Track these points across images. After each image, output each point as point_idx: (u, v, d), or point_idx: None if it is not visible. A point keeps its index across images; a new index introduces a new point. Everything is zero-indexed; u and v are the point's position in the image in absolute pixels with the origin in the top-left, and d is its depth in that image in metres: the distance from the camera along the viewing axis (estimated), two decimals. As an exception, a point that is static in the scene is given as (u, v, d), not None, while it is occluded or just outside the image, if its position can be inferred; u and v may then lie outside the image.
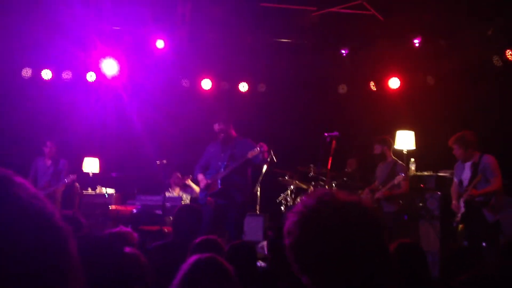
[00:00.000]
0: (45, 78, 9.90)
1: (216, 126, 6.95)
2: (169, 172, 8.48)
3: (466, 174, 6.41)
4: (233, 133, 7.01)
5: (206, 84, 10.46)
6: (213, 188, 6.83)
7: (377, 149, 7.48)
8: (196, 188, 8.61)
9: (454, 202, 6.55)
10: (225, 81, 10.66)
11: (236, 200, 6.81)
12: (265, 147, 6.64)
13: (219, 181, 6.77)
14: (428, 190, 7.95)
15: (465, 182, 6.40)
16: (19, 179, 0.94)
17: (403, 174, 7.08)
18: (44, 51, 9.50)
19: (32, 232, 0.87)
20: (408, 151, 8.09)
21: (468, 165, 6.41)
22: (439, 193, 7.77)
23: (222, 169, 6.81)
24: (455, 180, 6.67)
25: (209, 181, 6.88)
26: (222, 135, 6.91)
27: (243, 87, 10.59)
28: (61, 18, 8.78)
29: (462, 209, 6.36)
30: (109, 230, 3.57)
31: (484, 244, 6.04)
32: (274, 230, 3.81)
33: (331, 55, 10.10)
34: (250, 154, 6.61)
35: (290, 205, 8.86)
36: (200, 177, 7.03)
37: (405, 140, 8.05)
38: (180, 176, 9.11)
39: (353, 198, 1.53)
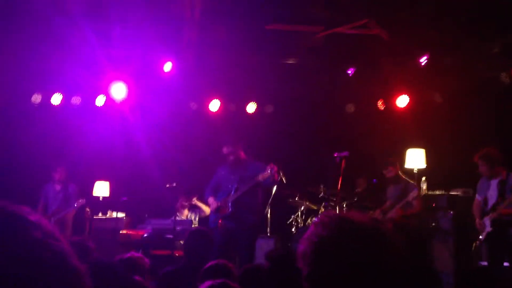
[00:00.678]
0: (54, 103, 9.97)
1: (225, 149, 6.95)
2: (178, 195, 8.48)
3: (492, 192, 6.30)
4: (242, 155, 7.00)
5: (214, 106, 10.50)
6: (224, 211, 6.80)
7: (391, 172, 7.42)
8: (206, 209, 8.58)
9: (478, 220, 6.44)
10: (233, 103, 10.70)
11: (247, 223, 6.77)
12: (275, 168, 6.62)
13: (229, 204, 6.74)
14: (440, 210, 7.87)
15: (492, 200, 6.29)
16: (35, 217, 0.93)
17: (416, 190, 7.01)
18: (53, 76, 9.60)
19: (49, 274, 0.86)
20: (419, 170, 8.04)
21: (494, 182, 6.31)
22: (451, 212, 7.68)
23: (233, 192, 6.78)
24: (478, 197, 6.56)
25: (219, 204, 6.85)
26: (232, 158, 6.90)
27: (251, 108, 10.62)
28: (71, 43, 8.89)
29: (488, 228, 6.25)
30: (120, 256, 3.55)
31: (506, 264, 5.94)
32: (273, 259, 3.70)
33: (337, 74, 10.13)
34: (261, 177, 6.58)
35: (301, 226, 8.81)
36: (211, 200, 7.01)
37: (415, 158, 8.00)
38: (184, 199, 9.06)
39: (371, 222, 1.47)
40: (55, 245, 0.90)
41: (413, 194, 6.93)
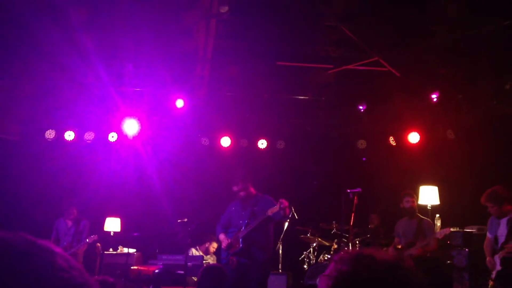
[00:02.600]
0: (68, 139, 10.08)
1: (235, 188, 6.93)
2: (190, 231, 8.43)
3: (502, 230, 6.21)
4: (253, 190, 6.98)
5: (225, 141, 10.55)
6: (235, 247, 6.74)
7: (408, 203, 7.33)
8: (214, 245, 8.66)
9: (488, 258, 6.34)
10: (244, 139, 10.75)
11: (258, 259, 6.70)
12: (285, 203, 6.57)
13: (240, 240, 6.69)
14: (455, 247, 7.75)
15: (501, 239, 6.20)
16: (59, 249, 0.95)
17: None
18: (67, 112, 9.73)
19: None
20: (432, 207, 7.96)
21: (504, 221, 6.23)
22: (466, 249, 7.56)
23: (243, 228, 6.74)
24: (489, 236, 6.47)
25: (230, 241, 6.81)
26: (242, 194, 6.88)
27: (262, 144, 10.66)
28: (84, 80, 9.04)
29: (498, 266, 6.15)
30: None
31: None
32: None
33: (349, 111, 10.18)
34: (270, 212, 6.54)
35: (313, 262, 8.71)
36: (222, 237, 6.96)
37: (429, 195, 7.94)
38: (208, 244, 9.20)
39: (393, 259, 1.40)
40: (79, 277, 0.91)
41: (444, 231, 6.81)
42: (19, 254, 0.87)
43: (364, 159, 9.77)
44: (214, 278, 4.80)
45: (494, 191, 6.27)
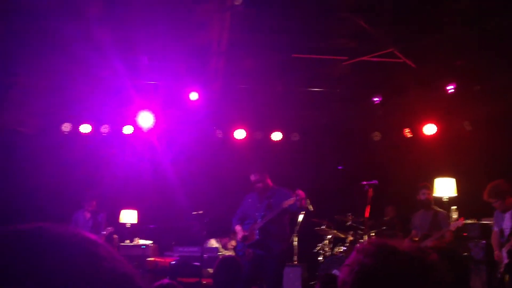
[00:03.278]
0: (83, 132, 10.16)
1: (252, 177, 6.95)
2: (205, 224, 8.47)
3: (507, 224, 6.23)
4: (269, 182, 7.00)
5: (240, 134, 10.57)
6: (251, 239, 6.77)
7: (424, 195, 7.29)
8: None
9: (496, 252, 6.33)
10: (259, 131, 10.76)
11: (274, 250, 6.72)
12: (302, 195, 6.58)
13: (256, 232, 6.71)
14: (472, 239, 7.71)
15: (507, 231, 6.21)
16: (101, 240, 0.96)
17: (462, 219, 6.87)
18: (83, 105, 9.81)
19: None
20: (450, 199, 7.91)
21: (508, 214, 6.22)
22: (483, 241, 7.52)
23: (259, 220, 6.77)
24: (495, 229, 6.48)
25: (246, 233, 6.83)
26: (259, 185, 6.90)
27: (276, 136, 10.65)
28: (100, 73, 9.09)
29: (506, 260, 6.13)
30: (158, 282, 3.54)
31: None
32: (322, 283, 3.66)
33: (363, 103, 10.13)
34: (285, 204, 6.55)
35: (328, 254, 8.71)
36: (238, 228, 6.99)
37: (445, 187, 7.89)
38: (227, 240, 9.26)
39: (416, 251, 1.37)
40: (123, 267, 0.92)
41: (457, 223, 6.79)
42: (64, 245, 0.88)
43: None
44: (229, 270, 4.83)
45: (495, 186, 6.27)
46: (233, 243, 9.24)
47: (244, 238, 6.85)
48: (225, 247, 9.29)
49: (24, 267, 0.82)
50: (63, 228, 0.92)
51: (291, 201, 6.53)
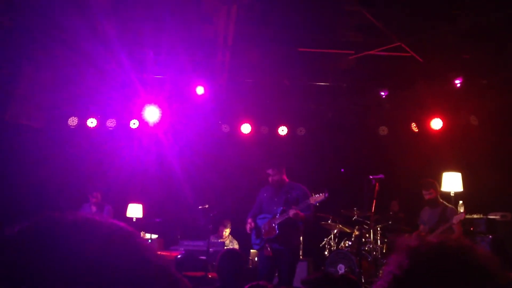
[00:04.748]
0: (90, 126, 10.19)
1: (270, 171, 6.87)
2: (211, 218, 8.50)
3: None
4: (286, 178, 6.95)
5: (246, 128, 10.56)
6: (271, 234, 6.70)
7: (432, 194, 7.22)
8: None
9: None
10: (265, 125, 10.75)
11: (293, 243, 6.70)
12: (327, 194, 6.49)
13: (276, 227, 6.65)
14: (478, 234, 7.67)
15: None
16: (136, 231, 0.96)
17: (463, 213, 6.81)
18: (90, 100, 9.83)
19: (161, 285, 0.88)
20: (456, 193, 7.87)
21: None
22: (490, 236, 7.48)
23: (278, 214, 6.70)
24: None
25: (265, 228, 6.77)
26: (276, 178, 6.83)
27: (283, 131, 10.64)
28: (106, 67, 9.11)
29: None
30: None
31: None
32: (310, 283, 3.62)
33: (370, 97, 10.10)
34: (313, 200, 6.47)
35: (334, 249, 8.70)
36: (249, 220, 6.95)
37: (452, 182, 7.85)
38: (223, 228, 9.28)
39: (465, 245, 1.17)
40: (159, 258, 0.92)
41: (458, 216, 6.71)
42: (106, 236, 0.88)
43: (342, 170, 9.68)
44: (232, 262, 4.83)
45: None
46: (227, 230, 9.22)
47: (260, 231, 6.79)
48: (221, 237, 9.27)
49: (52, 259, 0.81)
50: (104, 219, 0.92)
51: (319, 197, 6.45)
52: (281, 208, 6.62)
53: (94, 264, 0.82)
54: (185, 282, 0.92)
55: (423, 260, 1.14)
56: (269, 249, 6.54)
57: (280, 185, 6.79)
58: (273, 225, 6.62)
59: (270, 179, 6.81)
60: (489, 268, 1.13)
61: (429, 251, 1.15)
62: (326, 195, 6.35)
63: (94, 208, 8.50)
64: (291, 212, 6.36)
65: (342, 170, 9.35)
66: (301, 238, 8.89)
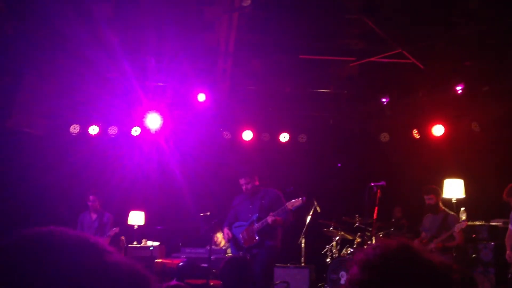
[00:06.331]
0: (92, 134, 10.20)
1: (243, 181, 6.90)
2: (213, 225, 8.48)
3: None
4: (258, 184, 6.96)
5: (247, 135, 10.57)
6: (250, 242, 6.71)
7: (432, 200, 7.23)
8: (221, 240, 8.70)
9: (508, 252, 6.28)
10: (266, 132, 10.75)
11: (268, 244, 6.67)
12: (304, 199, 6.48)
13: (256, 235, 6.65)
14: (481, 241, 7.65)
15: None
16: (108, 246, 0.97)
17: (465, 221, 6.81)
18: (91, 107, 9.84)
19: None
20: (458, 200, 7.87)
21: None
22: (492, 243, 7.46)
23: (256, 222, 6.69)
24: (510, 227, 6.41)
25: (230, 235, 6.80)
26: (250, 187, 6.85)
27: (284, 137, 10.65)
28: (108, 75, 9.13)
29: None
30: (166, 284, 3.55)
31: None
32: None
33: (371, 104, 10.11)
34: (290, 205, 6.47)
35: (336, 256, 8.68)
36: (226, 230, 6.97)
37: (454, 188, 7.84)
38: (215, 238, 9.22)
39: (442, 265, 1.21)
40: (132, 267, 0.93)
41: (460, 225, 6.72)
42: (72, 250, 0.90)
43: (339, 165, 9.66)
44: (237, 270, 4.81)
45: None
46: (219, 235, 9.16)
47: (237, 241, 6.79)
48: (215, 244, 9.19)
49: (34, 270, 0.83)
50: (72, 232, 0.94)
51: (297, 202, 6.45)
52: (257, 215, 6.62)
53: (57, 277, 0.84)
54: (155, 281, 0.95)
55: (371, 267, 1.19)
56: (248, 257, 6.52)
57: (253, 192, 6.81)
58: (252, 233, 6.63)
59: (243, 187, 6.83)
60: (429, 259, 1.20)
61: (375, 259, 1.20)
62: (304, 199, 6.36)
63: (94, 216, 8.49)
64: (270, 219, 6.38)
65: (339, 165, 9.32)
66: (302, 244, 8.88)
